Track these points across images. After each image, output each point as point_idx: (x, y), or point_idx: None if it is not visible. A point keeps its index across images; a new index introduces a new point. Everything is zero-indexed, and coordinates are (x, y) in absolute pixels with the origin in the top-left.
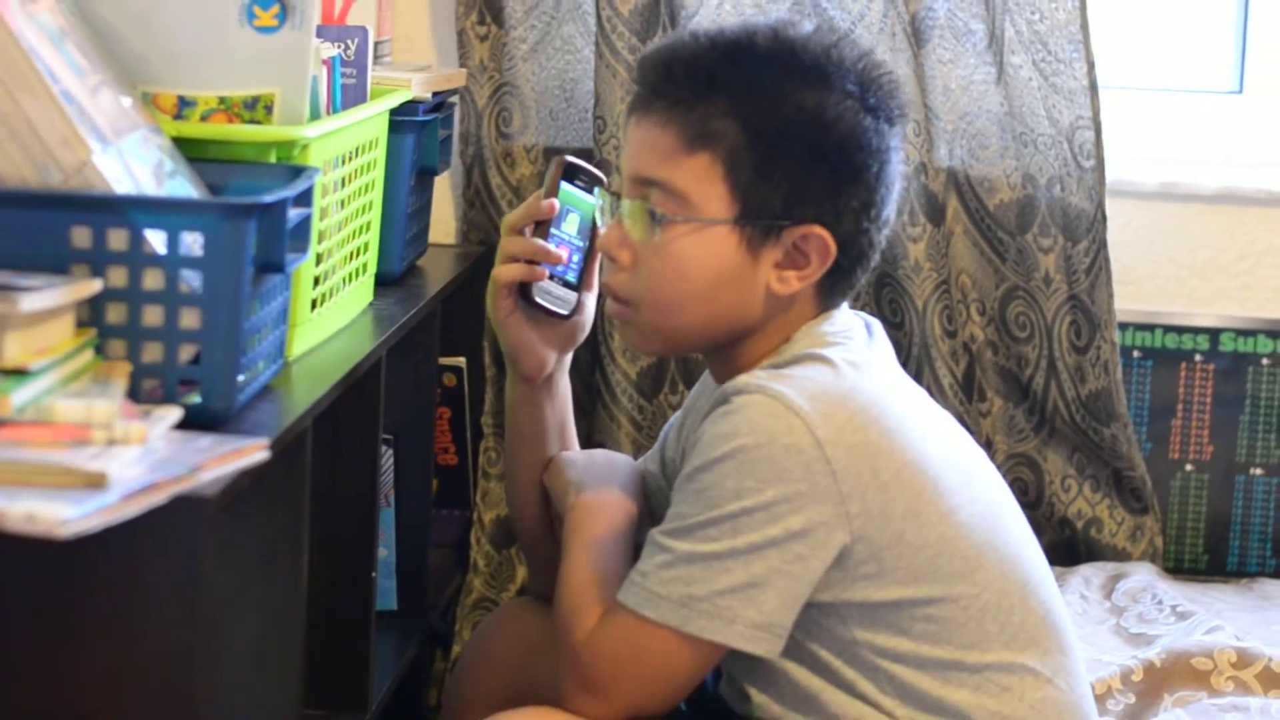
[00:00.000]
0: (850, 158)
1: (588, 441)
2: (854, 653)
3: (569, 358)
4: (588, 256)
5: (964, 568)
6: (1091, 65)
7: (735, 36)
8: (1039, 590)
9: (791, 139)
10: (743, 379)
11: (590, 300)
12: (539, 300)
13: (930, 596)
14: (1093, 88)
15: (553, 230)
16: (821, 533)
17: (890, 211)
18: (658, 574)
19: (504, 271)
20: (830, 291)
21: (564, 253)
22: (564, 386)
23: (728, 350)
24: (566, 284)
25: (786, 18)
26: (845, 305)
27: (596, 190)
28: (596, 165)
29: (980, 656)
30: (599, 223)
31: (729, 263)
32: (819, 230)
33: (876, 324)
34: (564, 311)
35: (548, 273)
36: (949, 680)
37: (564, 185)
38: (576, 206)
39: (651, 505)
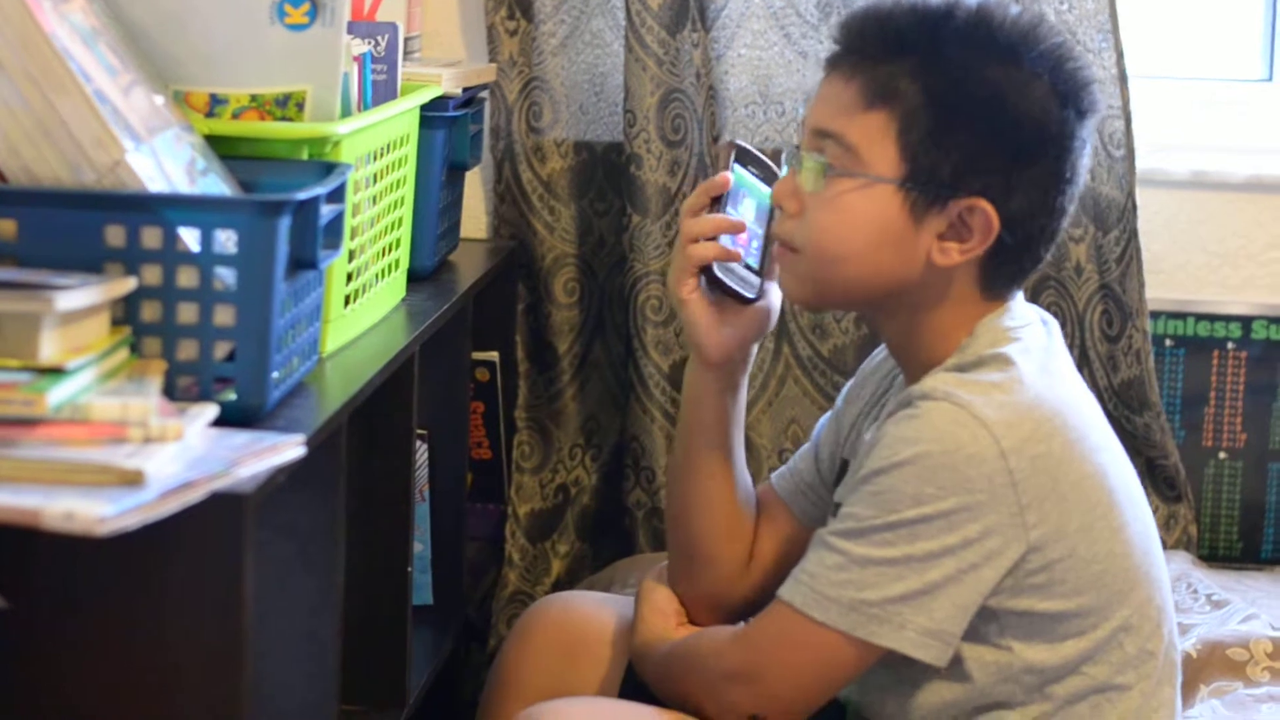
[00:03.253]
0: (1029, 138)
1: (621, 435)
2: (1005, 662)
3: (754, 352)
4: (766, 245)
5: (1125, 586)
6: (1120, 55)
7: (936, 6)
8: (1170, 620)
9: (971, 109)
10: (929, 383)
11: (774, 289)
12: (723, 278)
13: (1089, 609)
14: (1122, 77)
15: (729, 209)
16: (998, 542)
17: (1068, 203)
18: (828, 575)
19: (697, 250)
20: (994, 277)
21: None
22: (744, 384)
23: (909, 337)
24: (748, 268)
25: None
26: (1021, 297)
27: (771, 177)
28: (751, 156)
29: (1111, 677)
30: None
31: (891, 224)
32: (984, 204)
33: (1054, 321)
34: (749, 294)
35: (739, 255)
36: (1083, 700)
37: (736, 169)
38: (750, 191)
39: (793, 507)
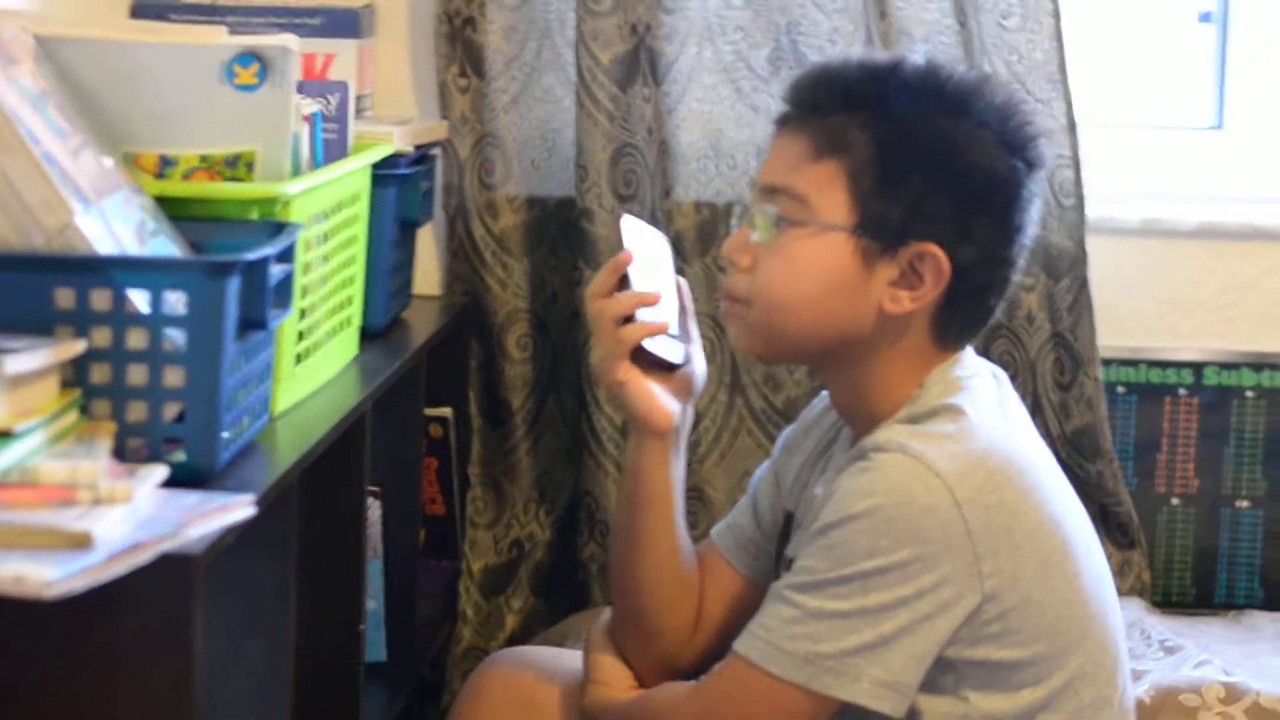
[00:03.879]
0: (978, 186)
1: (574, 490)
2: (961, 713)
3: (691, 416)
4: (680, 312)
5: (1079, 634)
6: (1069, 104)
7: (885, 61)
8: (1124, 667)
9: (920, 157)
10: (882, 435)
11: (696, 351)
12: (653, 351)
13: (1044, 658)
14: (1071, 126)
15: (634, 287)
16: (953, 592)
17: (1017, 255)
18: (784, 629)
19: (628, 332)
20: (946, 328)
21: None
22: (685, 447)
23: (858, 390)
24: (670, 336)
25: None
26: (971, 350)
27: (666, 243)
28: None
29: None
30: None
31: (842, 271)
32: (935, 250)
33: (1003, 374)
34: (678, 360)
35: (667, 326)
36: None
37: (633, 243)
38: (652, 260)
39: (735, 563)
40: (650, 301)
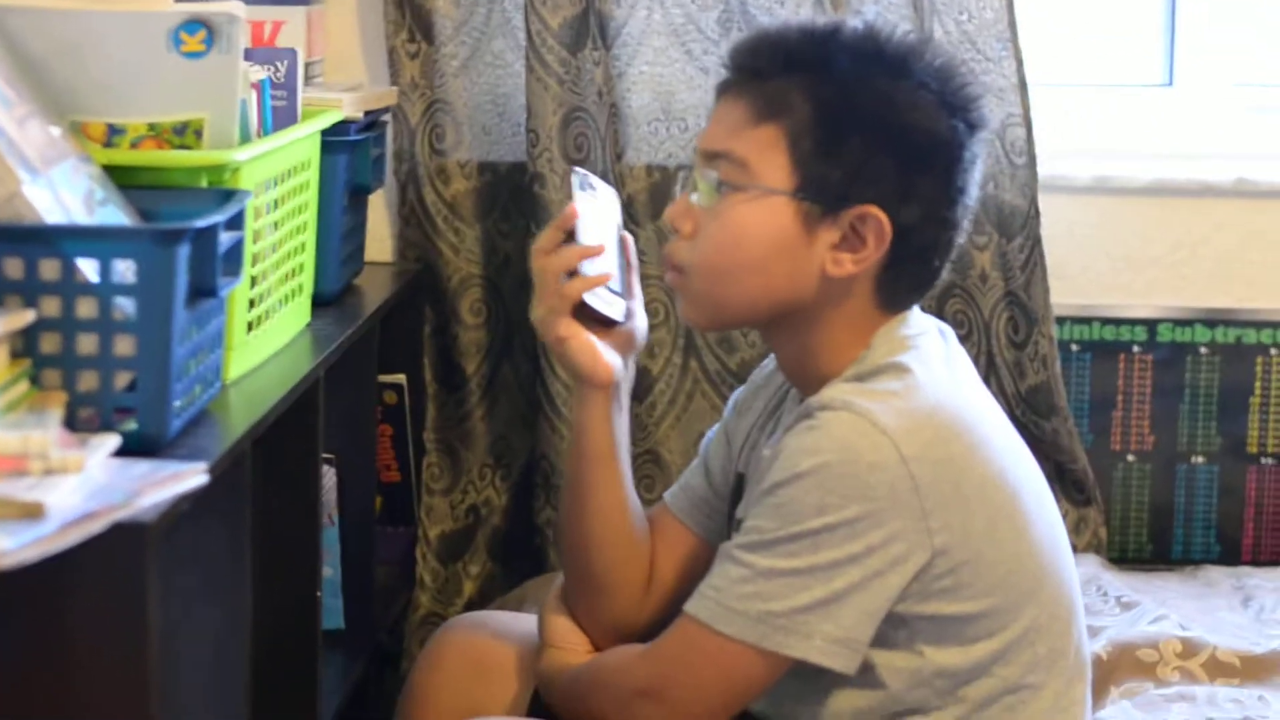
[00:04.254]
0: (919, 147)
1: (530, 455)
2: (916, 667)
3: (633, 370)
4: (624, 267)
5: (1032, 586)
6: (1020, 63)
7: (824, 25)
8: (1079, 618)
9: (860, 119)
10: (828, 394)
11: (638, 308)
12: (594, 305)
13: (998, 611)
14: (1022, 85)
15: (581, 236)
16: (902, 549)
17: (960, 216)
18: (734, 588)
19: (571, 286)
20: (890, 290)
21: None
22: (628, 402)
23: (804, 353)
24: (611, 291)
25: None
26: (917, 309)
27: (613, 198)
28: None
29: (1022, 677)
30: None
31: (784, 235)
32: (876, 211)
33: (950, 330)
34: (618, 317)
35: (610, 276)
36: (996, 702)
37: (580, 196)
38: (598, 216)
39: (689, 523)
40: (593, 253)
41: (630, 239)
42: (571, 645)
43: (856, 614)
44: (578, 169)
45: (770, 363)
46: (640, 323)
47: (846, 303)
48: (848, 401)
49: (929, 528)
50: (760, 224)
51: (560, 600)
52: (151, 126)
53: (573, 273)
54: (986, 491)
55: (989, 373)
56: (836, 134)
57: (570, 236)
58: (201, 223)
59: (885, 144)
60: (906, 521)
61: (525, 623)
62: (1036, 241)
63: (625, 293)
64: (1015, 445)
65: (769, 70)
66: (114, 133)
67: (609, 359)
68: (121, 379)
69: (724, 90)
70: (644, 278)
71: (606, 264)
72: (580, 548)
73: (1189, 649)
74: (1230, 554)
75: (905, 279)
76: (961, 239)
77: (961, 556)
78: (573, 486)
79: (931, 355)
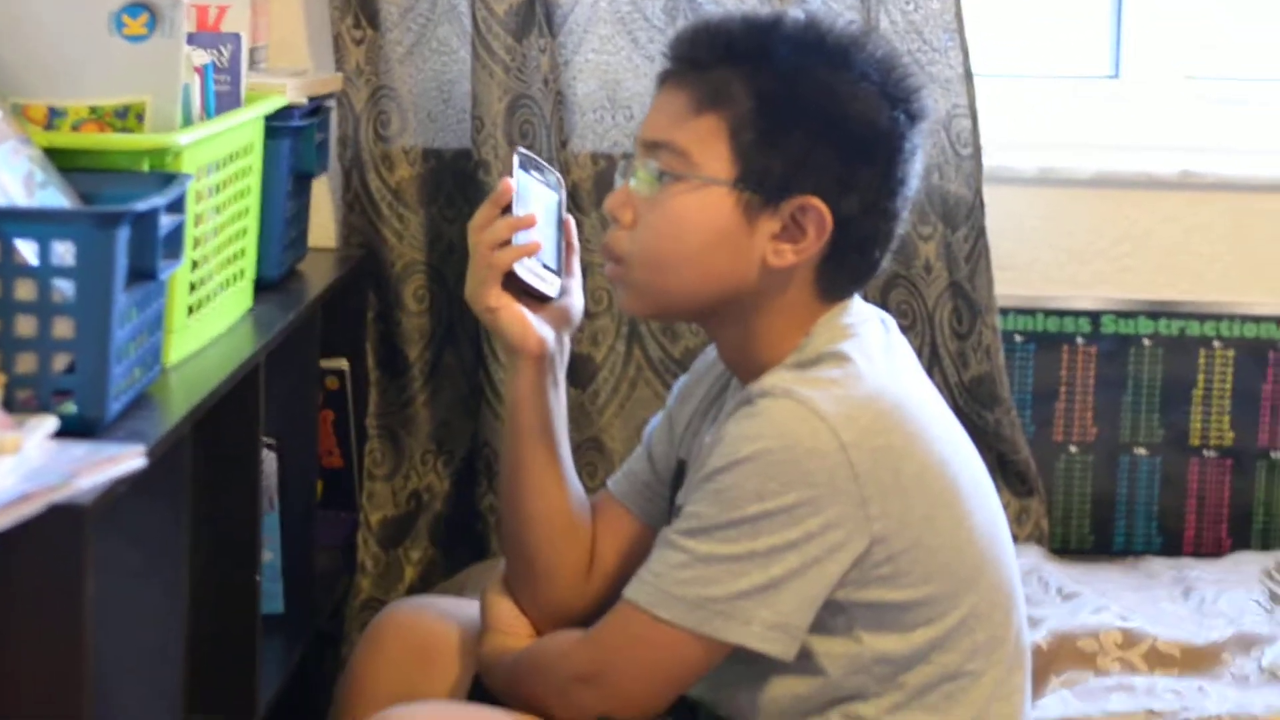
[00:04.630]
0: (860, 138)
1: (472, 441)
2: (855, 653)
3: (568, 348)
4: (563, 247)
5: (971, 574)
6: (966, 53)
7: (766, 16)
8: (1019, 606)
9: (801, 110)
10: (768, 381)
11: (575, 286)
12: (525, 278)
13: (937, 598)
14: (968, 76)
15: (514, 214)
16: (841, 535)
17: (900, 207)
18: (673, 574)
19: (499, 255)
20: (830, 281)
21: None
22: (563, 379)
23: (745, 342)
24: (546, 268)
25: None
26: (858, 298)
27: (557, 182)
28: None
29: (962, 664)
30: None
31: (724, 226)
32: (817, 203)
33: (891, 319)
34: (551, 292)
35: (540, 245)
36: (936, 689)
37: (521, 175)
38: (539, 195)
39: (632, 508)
40: (525, 225)
41: (572, 221)
42: (513, 630)
43: (795, 600)
44: (521, 149)
45: (713, 350)
46: (576, 301)
47: (787, 292)
48: (788, 389)
49: (868, 515)
50: (701, 214)
51: (503, 585)
52: (93, 109)
53: (506, 244)
54: (925, 479)
55: (932, 363)
56: (777, 125)
57: (506, 212)
58: (142, 206)
59: (826, 135)
60: (845, 508)
61: (467, 607)
62: (981, 232)
63: (563, 272)
64: (955, 434)
65: (710, 60)
66: (55, 115)
67: (540, 330)
68: (60, 361)
69: (665, 79)
70: (589, 265)
71: (538, 236)
72: (519, 527)
73: (1129, 640)
74: (1172, 545)
75: (846, 269)
76: (902, 230)
77: (900, 544)
78: (509, 463)
79: (872, 344)
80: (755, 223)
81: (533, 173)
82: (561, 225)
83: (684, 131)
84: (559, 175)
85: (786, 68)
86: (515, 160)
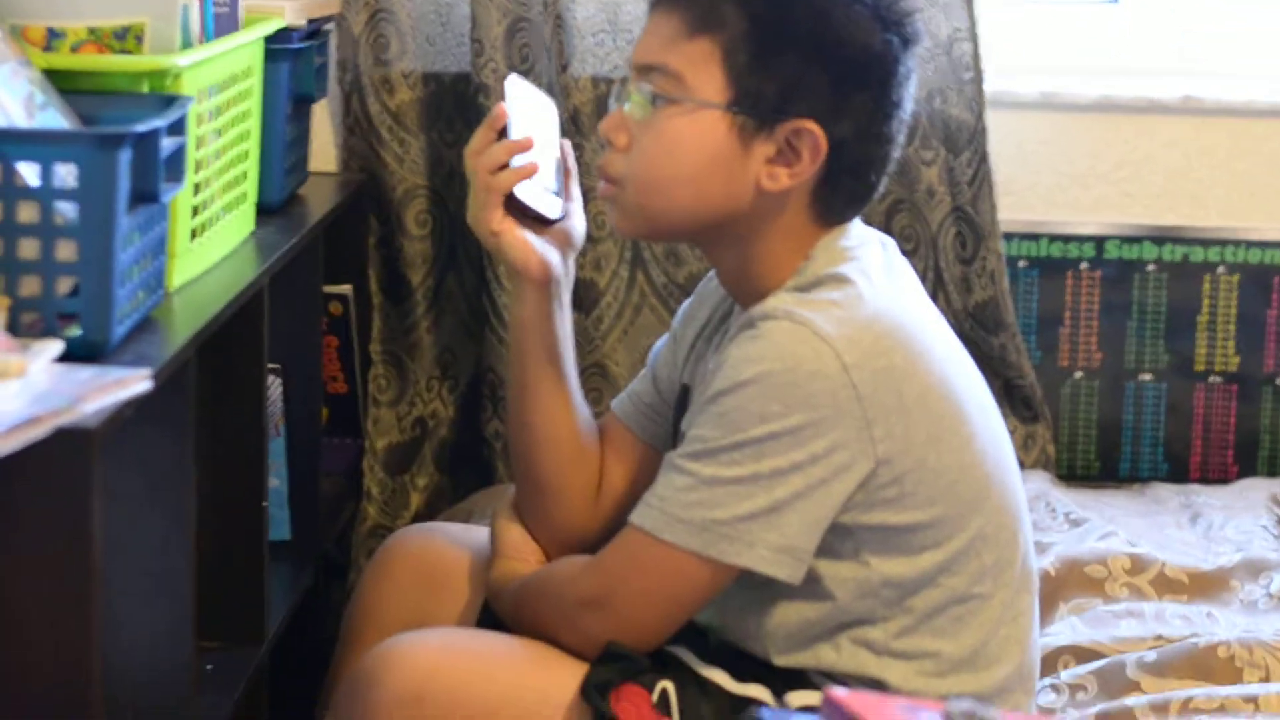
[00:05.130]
0: (853, 61)
1: (477, 366)
2: (863, 577)
3: (573, 271)
4: (561, 170)
5: (977, 495)
6: None
7: None
8: (1026, 529)
9: (794, 33)
10: (770, 304)
11: (575, 209)
12: (526, 201)
13: (943, 520)
14: None
15: (510, 137)
16: (845, 457)
17: (895, 131)
18: (678, 497)
19: (499, 179)
20: (826, 205)
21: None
22: (568, 302)
23: (743, 267)
24: (546, 190)
25: None
26: (858, 221)
27: (550, 105)
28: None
29: (969, 587)
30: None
31: (718, 149)
32: (812, 126)
33: (891, 241)
34: (553, 215)
35: (538, 167)
36: (944, 612)
37: (515, 100)
38: (534, 120)
39: (636, 429)
40: (524, 148)
41: (568, 144)
42: (523, 556)
43: (800, 522)
44: (514, 75)
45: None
46: (578, 223)
47: (783, 216)
48: (789, 311)
49: (872, 436)
50: (695, 137)
51: (512, 510)
52: (92, 31)
53: (504, 168)
54: (928, 400)
55: (936, 288)
56: (771, 48)
57: (502, 136)
58: (143, 127)
59: (820, 58)
60: (849, 430)
61: (476, 533)
62: (984, 157)
63: (564, 195)
64: (958, 355)
65: None
66: (54, 36)
67: (545, 254)
68: (64, 284)
69: (657, 2)
70: (591, 189)
71: (537, 158)
72: (528, 449)
73: (1137, 565)
74: (1178, 472)
75: (841, 193)
76: (898, 153)
77: (905, 465)
78: (516, 386)
79: (872, 266)
80: (749, 146)
81: (526, 97)
82: (559, 149)
83: (677, 55)
84: (551, 101)
85: None
86: (508, 85)
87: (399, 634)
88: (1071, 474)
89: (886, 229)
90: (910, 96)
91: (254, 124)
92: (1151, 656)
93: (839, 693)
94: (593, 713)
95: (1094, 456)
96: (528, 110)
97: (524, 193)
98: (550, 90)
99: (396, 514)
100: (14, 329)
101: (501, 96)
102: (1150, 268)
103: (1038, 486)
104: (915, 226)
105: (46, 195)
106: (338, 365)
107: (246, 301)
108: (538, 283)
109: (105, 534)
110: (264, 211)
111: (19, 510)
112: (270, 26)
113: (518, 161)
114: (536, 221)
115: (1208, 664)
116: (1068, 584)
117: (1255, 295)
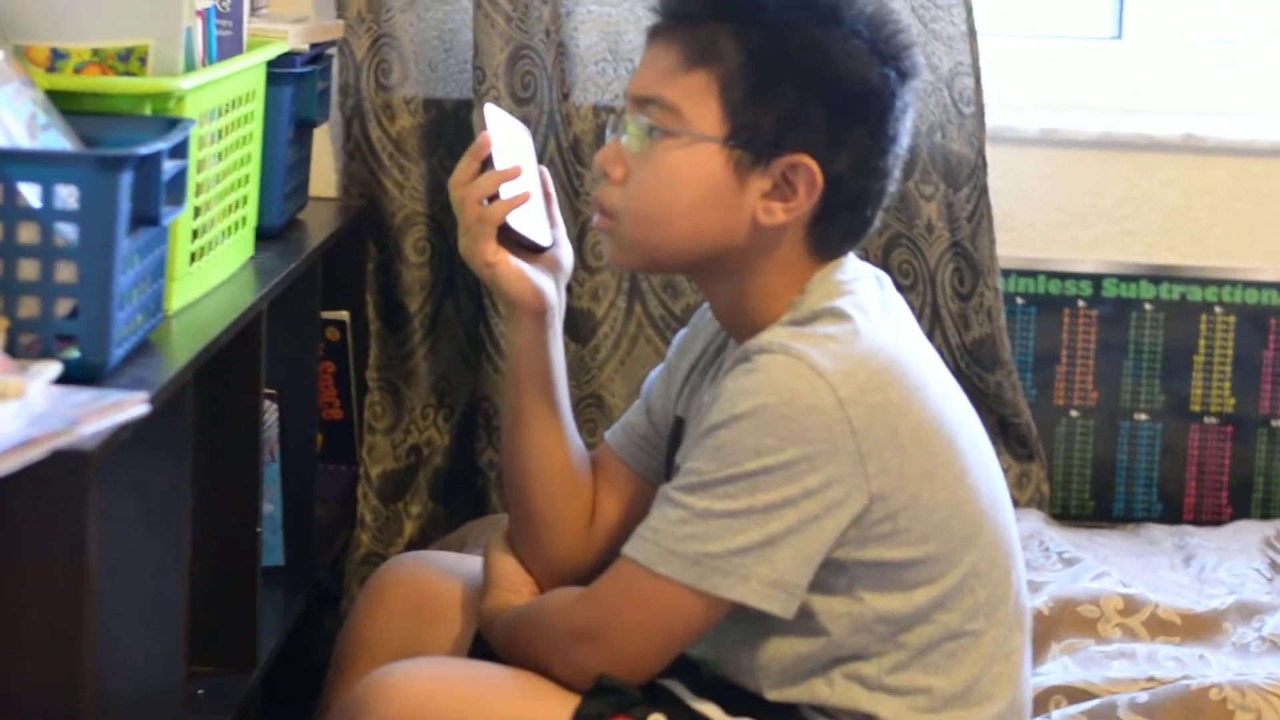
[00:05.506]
0: (850, 95)
1: (472, 395)
2: (857, 613)
3: (564, 296)
4: (543, 197)
5: (971, 532)
6: (970, 11)
7: None
8: (1019, 566)
9: (792, 66)
10: (766, 337)
11: (561, 235)
12: (520, 230)
13: (937, 556)
14: (971, 33)
15: (496, 166)
16: (840, 493)
17: (891, 165)
18: (671, 530)
19: (491, 210)
20: (822, 239)
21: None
22: (560, 329)
23: (739, 300)
24: (536, 218)
25: None
26: (853, 256)
27: (526, 133)
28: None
29: (963, 624)
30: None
31: (715, 183)
32: (808, 160)
33: (886, 277)
34: (544, 243)
35: (529, 195)
36: (938, 648)
37: (495, 129)
38: (515, 148)
39: (630, 461)
40: (511, 176)
41: (546, 171)
42: (516, 587)
43: (793, 557)
44: (490, 104)
45: None
46: (565, 249)
47: (779, 250)
48: (785, 345)
49: (866, 472)
50: (691, 171)
51: (505, 541)
52: (96, 52)
53: (493, 198)
54: (923, 436)
55: (933, 324)
56: (768, 82)
57: (486, 165)
58: (145, 150)
59: (817, 93)
60: (844, 465)
61: (469, 563)
62: (983, 192)
63: (548, 222)
64: (952, 391)
65: (700, 15)
66: (58, 57)
67: (539, 283)
68: (63, 306)
69: (655, 34)
70: (589, 219)
71: (525, 186)
72: (521, 480)
73: (1130, 606)
74: (1172, 512)
75: (837, 227)
76: (894, 188)
77: (899, 501)
78: (511, 416)
79: (868, 301)
80: (746, 180)
81: (504, 125)
82: (539, 176)
83: (674, 87)
84: (526, 128)
85: (776, 23)
86: (486, 113)
87: (391, 663)
88: (1065, 513)
89: (885, 263)
90: (907, 131)
91: (255, 148)
92: (1143, 698)
93: None
94: None
95: (1088, 496)
96: (507, 138)
97: (516, 222)
98: (552, 119)
99: (390, 542)
100: (12, 350)
101: (479, 122)
102: (1147, 307)
103: (1032, 525)
104: (913, 261)
105: (47, 216)
106: (334, 391)
107: (244, 326)
108: (534, 312)
109: (100, 556)
110: (263, 236)
111: (15, 531)
112: (273, 50)
113: (507, 191)
114: (528, 250)
115: (1199, 706)
116: (1060, 623)
117: (1252, 336)
